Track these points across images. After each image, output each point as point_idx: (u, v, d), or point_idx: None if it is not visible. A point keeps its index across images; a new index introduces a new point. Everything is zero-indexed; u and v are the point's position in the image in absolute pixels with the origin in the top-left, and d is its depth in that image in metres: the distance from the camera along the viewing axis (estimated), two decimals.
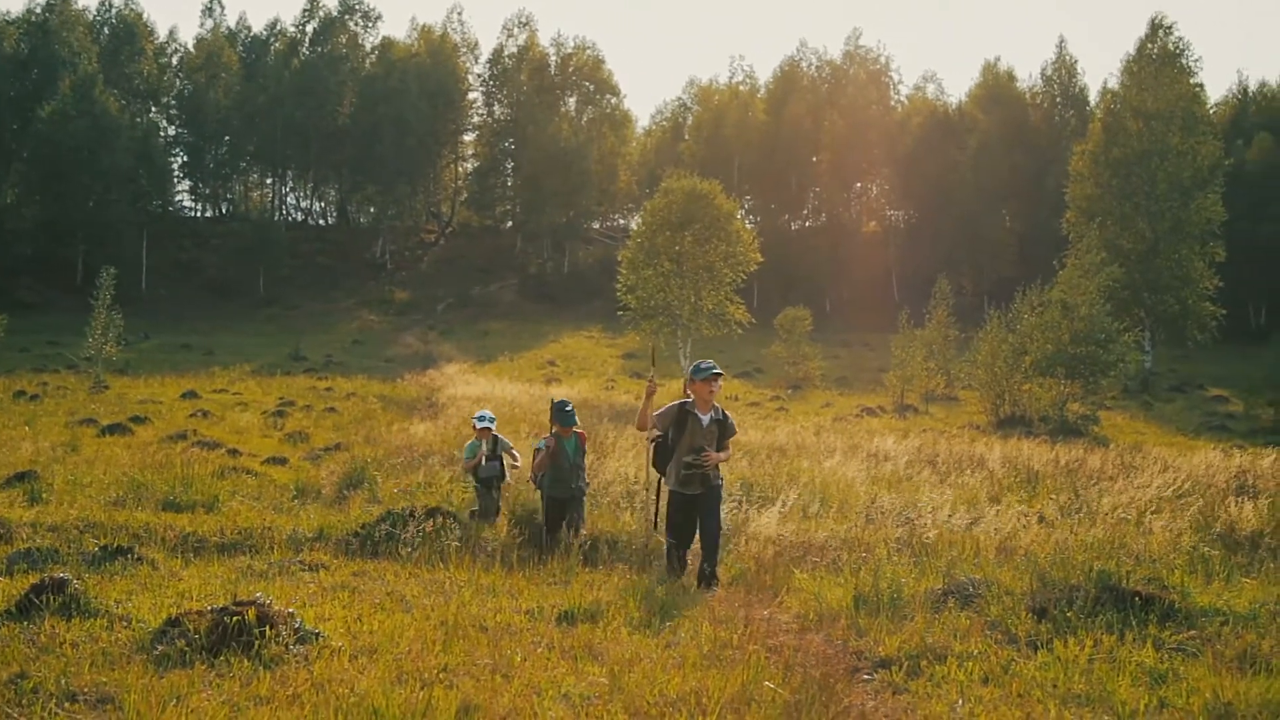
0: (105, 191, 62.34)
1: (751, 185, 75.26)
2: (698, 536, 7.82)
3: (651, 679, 4.85)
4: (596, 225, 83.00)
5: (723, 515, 8.02)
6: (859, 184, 78.64)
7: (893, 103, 78.14)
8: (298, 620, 5.32)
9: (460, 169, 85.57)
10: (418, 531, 8.55)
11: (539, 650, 5.35)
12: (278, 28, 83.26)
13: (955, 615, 6.11)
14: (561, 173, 70.56)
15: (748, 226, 49.49)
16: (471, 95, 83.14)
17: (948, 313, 40.83)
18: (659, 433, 7.94)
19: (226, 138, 77.53)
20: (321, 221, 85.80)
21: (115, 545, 7.75)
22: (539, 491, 9.28)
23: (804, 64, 79.37)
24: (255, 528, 9.21)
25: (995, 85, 74.72)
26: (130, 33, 75.75)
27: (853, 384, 42.39)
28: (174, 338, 50.48)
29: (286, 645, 5.06)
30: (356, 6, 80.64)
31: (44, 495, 10.98)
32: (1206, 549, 8.32)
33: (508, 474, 10.25)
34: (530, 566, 7.93)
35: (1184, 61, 48.55)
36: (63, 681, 4.52)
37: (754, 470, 13.08)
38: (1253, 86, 72.80)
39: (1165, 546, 8.54)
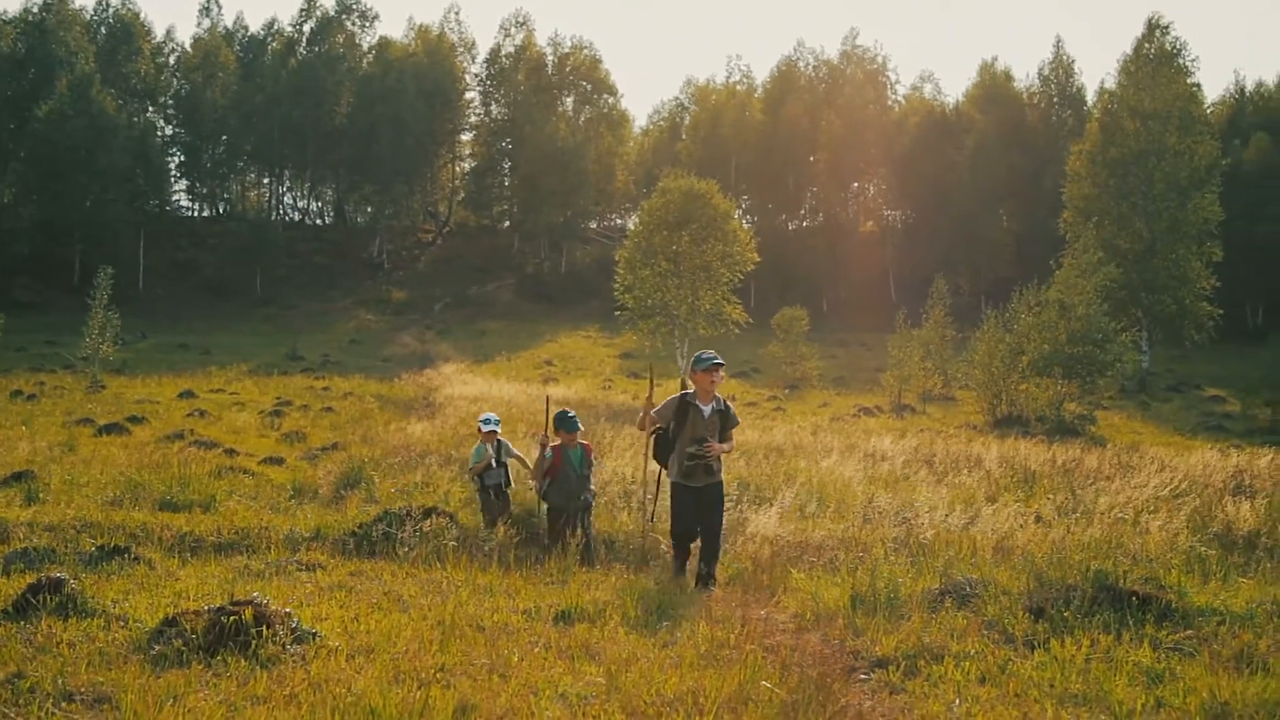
0: (102, 191, 62.32)
1: (749, 185, 75.30)
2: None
3: (648, 679, 4.85)
4: (594, 225, 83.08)
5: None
6: (856, 184, 78.72)
7: (890, 103, 78.23)
8: (295, 620, 5.32)
9: (457, 169, 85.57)
10: (415, 531, 8.53)
11: (536, 650, 5.35)
12: (275, 27, 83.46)
13: (952, 615, 6.10)
14: (559, 172, 70.58)
15: (745, 226, 49.50)
16: (469, 95, 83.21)
17: (945, 312, 40.84)
18: (660, 426, 7.88)
19: (223, 137, 77.56)
20: (318, 221, 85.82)
21: (112, 545, 7.74)
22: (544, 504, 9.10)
23: (801, 64, 79.51)
24: (252, 527, 9.20)
25: (992, 85, 74.80)
26: (127, 32, 75.71)
27: (850, 384, 42.42)
28: (171, 337, 50.43)
29: (283, 645, 5.05)
30: (354, 6, 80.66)
31: (41, 495, 10.97)
32: (1203, 549, 8.32)
33: (513, 481, 10.13)
34: (527, 566, 7.93)
35: (1181, 61, 48.59)
36: (60, 681, 4.52)
37: (751, 470, 13.08)
38: (1250, 86, 73.07)
39: (1162, 546, 8.54)
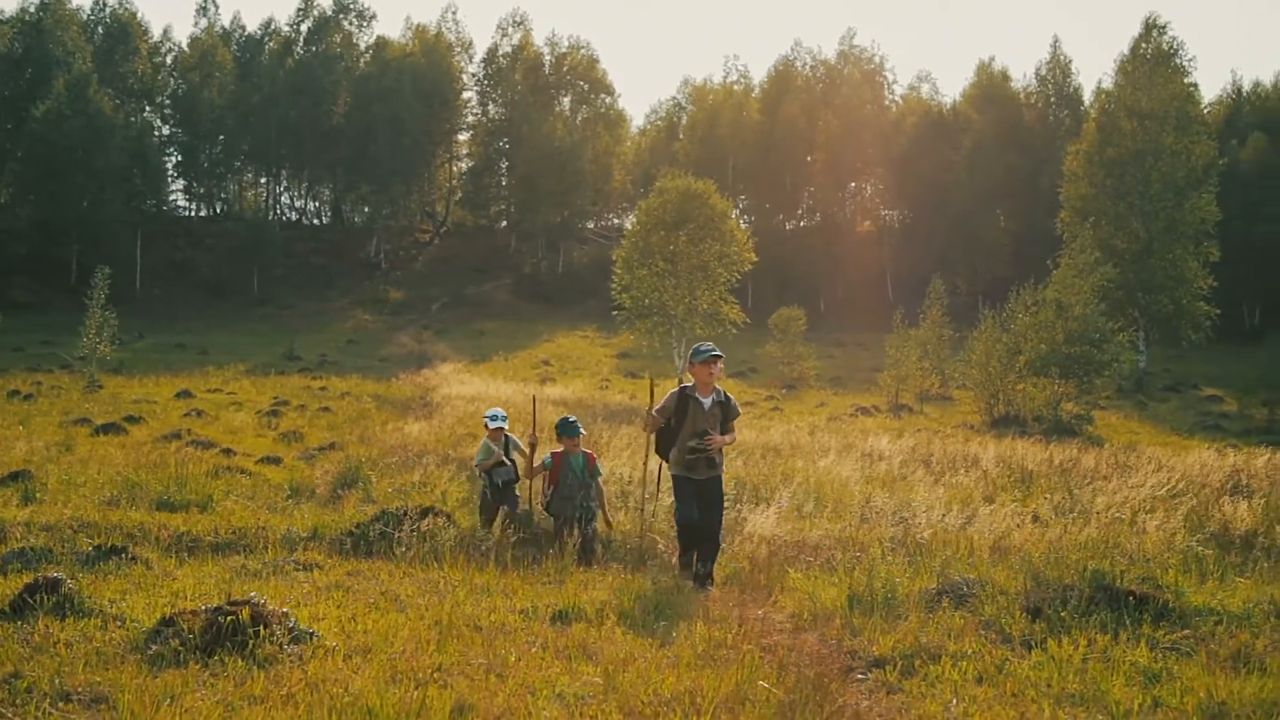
0: (100, 191, 62.21)
1: (746, 185, 75.28)
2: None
3: (646, 679, 4.85)
4: (591, 225, 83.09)
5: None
6: (853, 184, 78.75)
7: (887, 102, 78.30)
8: (292, 620, 5.31)
9: (455, 168, 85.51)
10: (412, 531, 8.52)
11: (533, 650, 5.35)
12: (272, 27, 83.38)
13: (949, 615, 6.11)
14: (556, 172, 70.59)
15: (742, 226, 49.51)
16: (466, 95, 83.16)
17: (942, 312, 40.88)
18: (661, 422, 7.86)
19: (221, 137, 77.51)
20: (316, 221, 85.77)
21: (109, 545, 7.72)
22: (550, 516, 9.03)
23: (799, 64, 79.54)
24: (249, 527, 9.18)
25: (990, 85, 74.85)
26: (124, 32, 75.64)
27: (847, 384, 42.44)
28: (168, 337, 50.37)
29: (281, 645, 5.05)
30: (351, 6, 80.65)
31: (38, 495, 10.95)
32: (1200, 549, 8.32)
33: (519, 474, 10.07)
34: (524, 566, 7.93)
35: (1178, 61, 48.69)
36: (57, 681, 4.51)
37: (748, 470, 13.09)
38: (1247, 86, 73.22)
39: (1159, 546, 8.54)
